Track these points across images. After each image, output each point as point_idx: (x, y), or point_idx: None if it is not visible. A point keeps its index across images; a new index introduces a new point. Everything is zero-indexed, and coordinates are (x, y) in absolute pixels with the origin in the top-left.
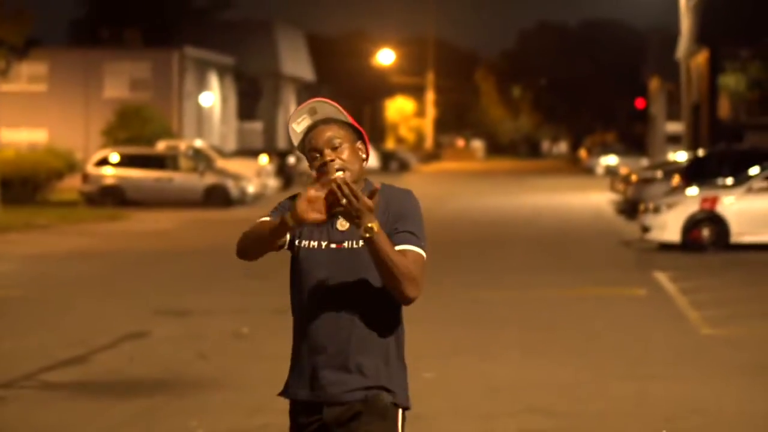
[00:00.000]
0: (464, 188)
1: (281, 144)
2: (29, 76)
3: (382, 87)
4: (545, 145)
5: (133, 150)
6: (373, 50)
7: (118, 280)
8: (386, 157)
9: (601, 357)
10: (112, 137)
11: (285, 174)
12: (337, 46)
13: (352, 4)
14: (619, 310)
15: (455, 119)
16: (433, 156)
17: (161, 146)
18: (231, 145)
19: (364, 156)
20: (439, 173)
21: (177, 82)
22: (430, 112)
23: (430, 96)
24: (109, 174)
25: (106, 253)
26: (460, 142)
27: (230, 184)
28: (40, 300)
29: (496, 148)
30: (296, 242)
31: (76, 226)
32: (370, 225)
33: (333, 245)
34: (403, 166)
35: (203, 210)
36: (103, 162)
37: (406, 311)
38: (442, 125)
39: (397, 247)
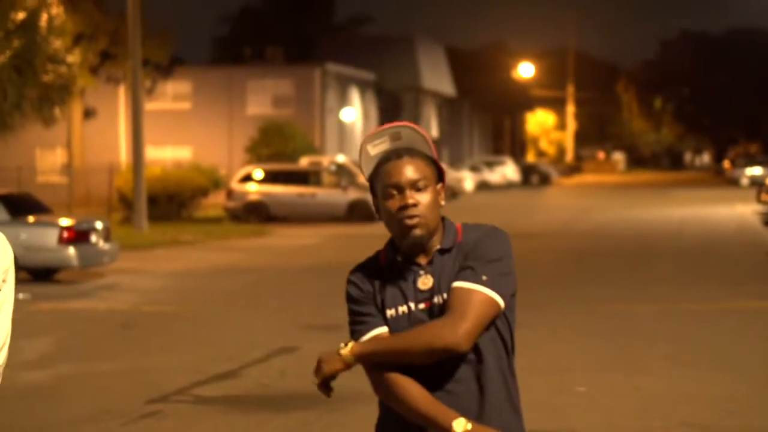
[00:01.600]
0: (606, 201)
1: None
2: (174, 94)
3: (523, 100)
4: (687, 156)
5: (276, 166)
6: (512, 63)
7: (266, 296)
8: (527, 171)
9: (756, 371)
10: (255, 154)
11: None
12: (477, 60)
13: (491, 18)
14: None
15: (596, 131)
16: (574, 169)
17: (304, 162)
18: None
19: (443, 202)
20: (581, 186)
21: (319, 98)
22: (571, 124)
23: (570, 109)
24: (253, 190)
25: (252, 269)
26: (601, 155)
27: (372, 200)
28: (190, 315)
29: (637, 161)
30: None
31: (222, 242)
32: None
33: (421, 305)
34: (544, 180)
35: (347, 225)
36: (247, 178)
37: (552, 323)
38: (582, 138)
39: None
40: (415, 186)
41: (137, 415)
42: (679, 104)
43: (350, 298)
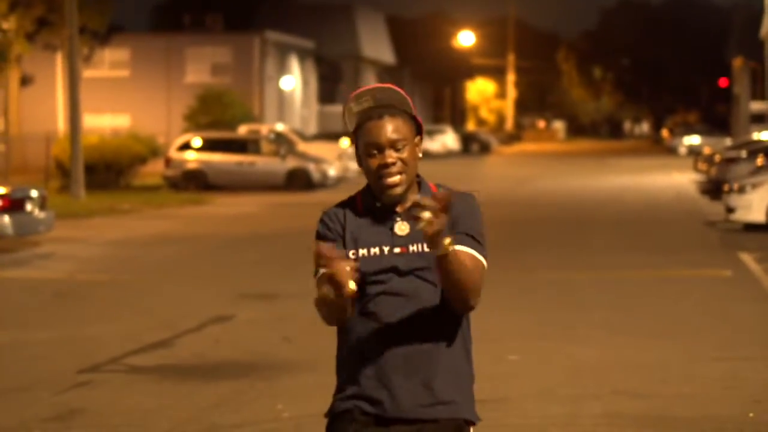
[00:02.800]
0: (546, 169)
1: None
2: (112, 61)
3: (463, 69)
4: (627, 125)
5: (215, 134)
6: (453, 32)
7: (202, 264)
8: (467, 139)
9: (687, 339)
10: (194, 122)
11: None
12: (418, 28)
13: None
14: (705, 292)
15: (536, 100)
16: (514, 137)
17: (243, 130)
18: (312, 128)
19: (420, 154)
20: (520, 154)
21: (258, 67)
22: (511, 93)
23: (510, 77)
24: (192, 158)
25: (189, 238)
26: (541, 124)
27: (312, 168)
28: (125, 284)
29: (577, 129)
30: (352, 254)
31: (160, 210)
32: (447, 241)
33: (397, 249)
34: (484, 148)
35: (285, 194)
36: (186, 146)
37: (486, 290)
38: (522, 106)
39: (457, 247)
40: (394, 146)
41: (69, 384)
42: (619, 74)
43: (318, 236)
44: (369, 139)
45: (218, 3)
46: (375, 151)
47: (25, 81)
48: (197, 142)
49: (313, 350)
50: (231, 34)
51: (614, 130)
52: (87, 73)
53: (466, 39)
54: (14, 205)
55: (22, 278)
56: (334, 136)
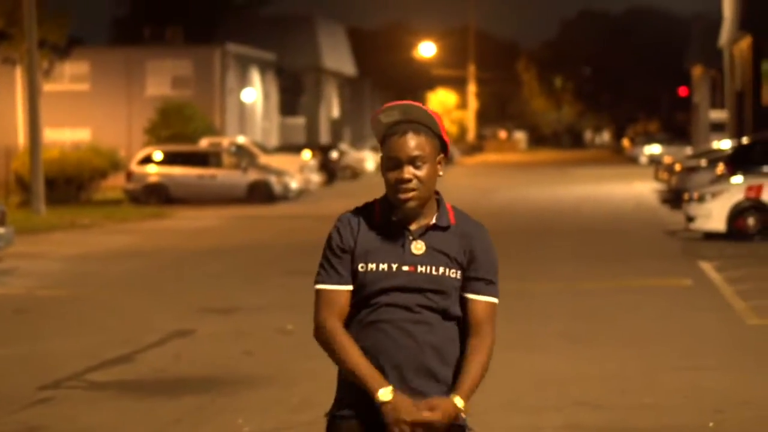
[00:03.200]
0: (507, 180)
1: (323, 139)
2: (72, 75)
3: (424, 79)
4: (588, 135)
5: (176, 147)
6: (414, 43)
7: (163, 279)
8: None
9: (648, 348)
10: (154, 135)
11: (328, 169)
12: (378, 40)
13: None
14: (665, 301)
15: (497, 111)
16: (476, 148)
17: (204, 143)
18: (273, 140)
19: (441, 173)
20: (482, 165)
21: (219, 79)
22: (472, 104)
23: (471, 88)
24: (153, 172)
25: (150, 252)
26: (503, 134)
27: (273, 180)
28: (85, 299)
29: (538, 139)
30: (361, 267)
31: (121, 224)
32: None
33: (406, 267)
34: (446, 159)
35: (246, 206)
36: (147, 160)
37: None
38: (484, 117)
39: (470, 296)
40: (413, 163)
41: (28, 402)
42: (579, 83)
43: (330, 243)
44: (390, 153)
45: (178, 16)
46: (394, 165)
47: None
48: (158, 155)
49: (275, 364)
50: (191, 47)
51: (575, 140)
52: (47, 87)
53: (426, 50)
54: None
55: None
56: (295, 149)
